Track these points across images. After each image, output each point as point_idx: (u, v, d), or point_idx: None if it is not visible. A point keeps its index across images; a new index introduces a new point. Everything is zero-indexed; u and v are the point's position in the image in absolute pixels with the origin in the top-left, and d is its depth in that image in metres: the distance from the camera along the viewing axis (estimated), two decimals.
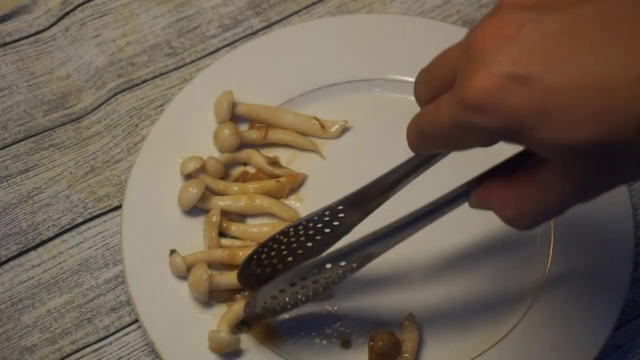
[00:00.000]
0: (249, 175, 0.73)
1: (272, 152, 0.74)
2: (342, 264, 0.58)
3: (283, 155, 0.74)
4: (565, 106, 0.41)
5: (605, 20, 0.41)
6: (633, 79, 0.40)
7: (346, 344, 0.67)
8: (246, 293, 0.67)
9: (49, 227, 0.73)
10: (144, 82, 0.79)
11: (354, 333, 0.67)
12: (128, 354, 0.68)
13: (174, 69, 0.80)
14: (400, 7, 0.82)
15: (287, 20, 0.82)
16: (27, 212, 0.73)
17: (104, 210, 0.73)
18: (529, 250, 0.70)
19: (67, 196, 0.74)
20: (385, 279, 0.69)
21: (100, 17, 0.82)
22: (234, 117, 0.74)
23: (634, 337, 0.68)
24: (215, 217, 0.69)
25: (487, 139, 0.44)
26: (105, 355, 0.68)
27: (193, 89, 0.75)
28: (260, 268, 0.64)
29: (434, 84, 0.47)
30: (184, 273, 0.67)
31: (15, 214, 0.73)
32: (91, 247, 0.72)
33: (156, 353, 0.65)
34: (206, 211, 0.70)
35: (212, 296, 0.67)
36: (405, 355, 0.65)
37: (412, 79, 0.76)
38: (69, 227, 0.73)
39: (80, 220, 0.73)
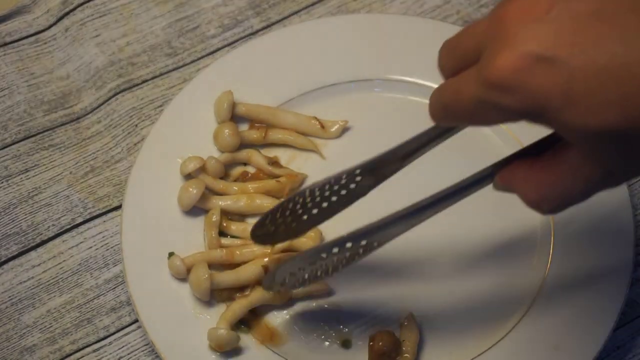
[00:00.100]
0: (249, 175, 0.73)
1: (272, 152, 0.74)
2: (363, 242, 0.58)
3: (283, 155, 0.74)
4: (592, 89, 0.40)
5: (634, 3, 0.41)
6: None
7: (346, 344, 0.67)
8: (246, 292, 0.67)
9: (49, 227, 0.73)
10: (144, 82, 0.79)
11: (354, 333, 0.67)
12: (128, 354, 0.68)
13: (174, 69, 0.80)
14: (400, 7, 0.82)
15: (287, 20, 0.82)
16: (27, 212, 0.73)
17: (104, 210, 0.73)
18: (529, 250, 0.70)
19: (67, 196, 0.74)
20: (386, 279, 0.69)
21: (100, 17, 0.82)
22: (234, 117, 0.74)
23: (634, 337, 0.68)
24: (215, 217, 0.69)
25: (510, 118, 0.44)
26: (105, 355, 0.68)
27: (193, 89, 0.75)
28: (274, 227, 0.63)
29: (459, 57, 0.47)
30: (183, 275, 0.67)
31: (15, 214, 0.73)
32: (91, 247, 0.72)
33: (156, 353, 0.65)
34: (206, 211, 0.70)
35: (212, 295, 0.67)
36: (405, 355, 0.65)
37: (412, 79, 0.78)
38: (69, 227, 0.73)
39: (80, 220, 0.73)
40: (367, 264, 0.70)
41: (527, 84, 0.41)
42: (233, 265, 0.68)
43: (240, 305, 0.66)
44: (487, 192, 0.73)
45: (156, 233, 0.69)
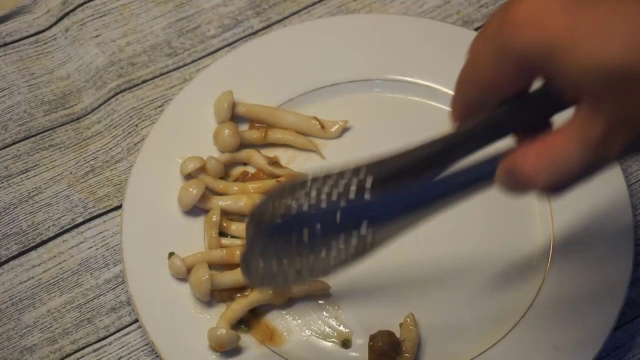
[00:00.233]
0: (249, 175, 0.73)
1: (272, 152, 0.74)
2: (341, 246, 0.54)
3: (283, 155, 0.74)
4: (595, 28, 0.43)
5: None
6: None
7: (346, 344, 0.67)
8: (246, 292, 0.67)
9: (49, 227, 0.73)
10: (144, 82, 0.79)
11: (354, 333, 0.67)
12: (128, 354, 0.68)
13: (174, 69, 0.80)
14: (400, 7, 0.82)
15: (287, 20, 0.82)
16: (28, 212, 0.73)
17: (104, 210, 0.73)
18: (528, 250, 0.70)
19: (67, 196, 0.74)
20: (386, 279, 0.69)
21: (101, 17, 0.82)
22: (234, 117, 0.74)
23: (633, 337, 0.68)
24: (215, 217, 0.69)
25: (518, 66, 0.46)
26: (105, 355, 0.68)
27: (193, 89, 0.75)
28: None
29: (482, 79, 0.49)
30: (183, 275, 0.67)
31: (16, 214, 0.73)
32: (91, 247, 0.72)
33: (156, 353, 0.65)
34: (206, 211, 0.70)
35: (212, 296, 0.67)
36: (405, 355, 0.65)
37: (412, 79, 0.78)
38: (69, 227, 0.73)
39: (80, 220, 0.73)
40: (367, 264, 0.70)
41: (540, 20, 0.44)
42: (233, 266, 0.68)
43: (240, 305, 0.66)
44: (488, 192, 0.73)
45: (156, 233, 0.69)
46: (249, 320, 0.67)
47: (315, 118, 0.75)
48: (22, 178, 0.75)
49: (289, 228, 0.54)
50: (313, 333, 0.67)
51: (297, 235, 0.54)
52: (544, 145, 0.46)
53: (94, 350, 0.68)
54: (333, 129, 0.75)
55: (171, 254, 0.68)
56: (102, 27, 0.82)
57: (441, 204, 0.52)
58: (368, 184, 0.52)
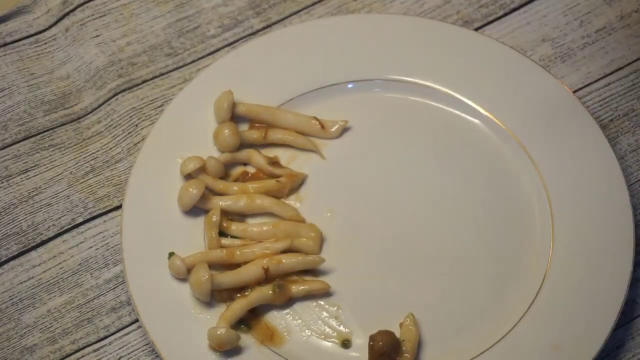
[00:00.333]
0: (249, 175, 0.73)
1: (272, 152, 0.74)
2: None
3: (283, 155, 0.74)
4: None
5: None
6: None
7: (346, 344, 0.67)
8: (246, 293, 0.67)
9: (49, 227, 0.73)
10: (144, 82, 0.79)
11: (354, 333, 0.67)
12: (128, 354, 0.68)
13: (174, 69, 0.80)
14: (400, 7, 0.82)
15: (287, 20, 0.82)
16: (28, 212, 0.73)
17: (104, 210, 0.73)
18: (528, 250, 0.70)
19: (68, 196, 0.74)
20: (386, 279, 0.69)
21: (101, 17, 0.82)
22: (234, 117, 0.74)
23: (633, 336, 0.68)
24: (215, 217, 0.69)
25: None
26: (106, 355, 0.68)
27: (193, 89, 0.75)
28: None
29: None
30: (183, 275, 0.67)
31: (16, 214, 0.73)
32: (91, 247, 0.72)
33: (156, 353, 0.65)
34: (206, 211, 0.70)
35: (212, 296, 0.67)
36: (405, 355, 0.65)
37: (412, 79, 0.78)
38: (69, 227, 0.73)
39: (80, 220, 0.73)
40: (367, 264, 0.70)
41: None
42: (233, 266, 0.68)
43: (240, 305, 0.66)
44: (488, 192, 0.74)
45: (156, 233, 0.69)
46: (249, 320, 0.67)
47: (315, 118, 0.75)
48: (22, 178, 0.75)
49: None
50: (313, 333, 0.67)
51: None
52: None
53: (94, 350, 0.68)
54: (333, 129, 0.75)
55: (171, 254, 0.68)
56: (102, 27, 0.82)
57: None
58: None
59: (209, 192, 0.71)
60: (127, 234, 0.69)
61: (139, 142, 0.76)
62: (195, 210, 0.70)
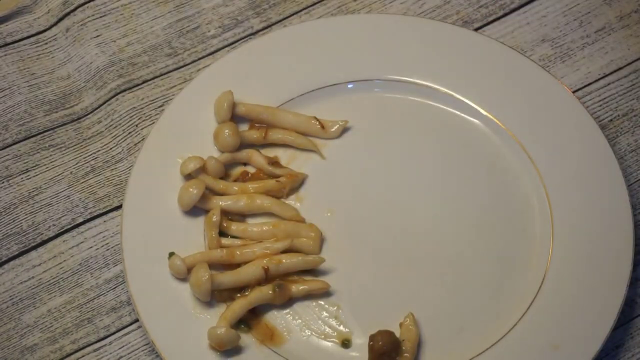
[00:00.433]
0: (249, 175, 0.73)
1: (272, 152, 0.74)
2: None
3: (283, 155, 0.75)
4: None
5: None
6: None
7: (346, 344, 0.67)
8: (246, 293, 0.67)
9: (49, 227, 0.73)
10: (144, 82, 0.79)
11: (354, 333, 0.67)
12: (128, 354, 0.68)
13: (174, 69, 0.80)
14: (400, 7, 0.83)
15: (287, 21, 0.82)
16: (28, 212, 0.73)
17: (104, 210, 0.73)
18: (529, 250, 0.70)
19: (68, 196, 0.74)
20: (385, 279, 0.69)
21: (101, 17, 0.82)
22: (234, 117, 0.74)
23: (633, 336, 0.68)
24: (215, 217, 0.69)
25: None
26: (106, 354, 0.68)
27: (193, 89, 0.75)
28: None
29: None
30: (183, 275, 0.67)
31: (16, 214, 0.73)
32: (91, 247, 0.72)
33: (156, 353, 0.65)
34: (206, 211, 0.70)
35: (212, 296, 0.67)
36: (405, 355, 0.65)
37: (412, 79, 0.78)
38: (69, 227, 0.73)
39: (80, 220, 0.73)
40: (367, 264, 0.70)
41: None
42: (233, 266, 0.68)
43: (240, 305, 0.66)
44: (488, 192, 0.74)
45: (156, 233, 0.69)
46: (249, 320, 0.67)
47: (315, 118, 0.75)
48: (22, 178, 0.75)
49: None
50: (313, 333, 0.67)
51: None
52: None
53: (94, 350, 0.68)
54: (333, 129, 0.75)
55: (171, 254, 0.68)
56: (102, 27, 0.82)
57: None
58: None
59: (209, 192, 0.71)
60: (127, 234, 0.69)
61: (139, 142, 0.76)
62: (195, 210, 0.70)
